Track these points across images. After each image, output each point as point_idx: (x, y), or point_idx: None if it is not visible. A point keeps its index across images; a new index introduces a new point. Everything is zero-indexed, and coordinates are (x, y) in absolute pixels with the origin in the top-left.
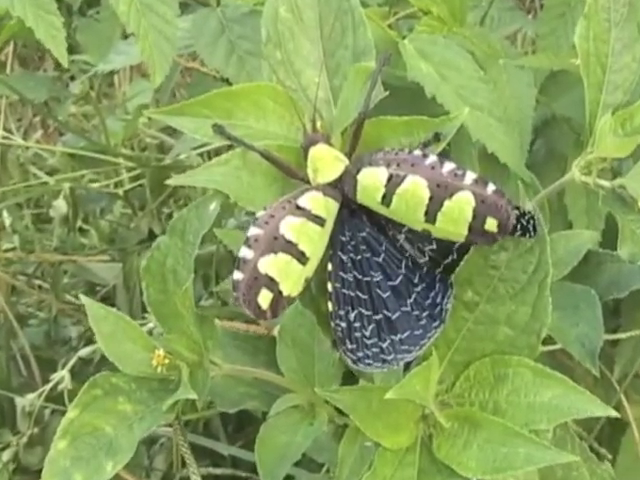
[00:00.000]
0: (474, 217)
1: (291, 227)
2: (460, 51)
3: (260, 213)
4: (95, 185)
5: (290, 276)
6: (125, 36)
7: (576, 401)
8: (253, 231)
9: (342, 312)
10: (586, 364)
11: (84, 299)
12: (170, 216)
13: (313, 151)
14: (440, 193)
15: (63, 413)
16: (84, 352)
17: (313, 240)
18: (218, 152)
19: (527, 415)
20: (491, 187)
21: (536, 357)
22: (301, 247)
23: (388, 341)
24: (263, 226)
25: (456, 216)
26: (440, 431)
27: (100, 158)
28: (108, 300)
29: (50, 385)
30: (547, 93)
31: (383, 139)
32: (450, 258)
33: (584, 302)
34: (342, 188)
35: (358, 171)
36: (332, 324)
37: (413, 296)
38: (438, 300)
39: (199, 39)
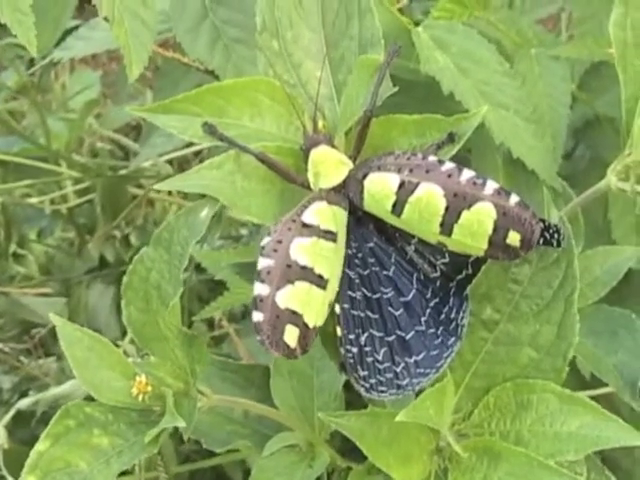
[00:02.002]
0: (495, 230)
1: (302, 249)
2: (482, 40)
3: (265, 240)
4: (33, 200)
5: (312, 305)
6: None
7: (607, 429)
8: (263, 263)
9: (352, 336)
10: (624, 397)
11: (54, 318)
12: (125, 239)
13: (314, 153)
14: (458, 203)
15: None
16: (24, 404)
17: (329, 259)
18: (182, 160)
19: (553, 445)
20: (514, 198)
21: (562, 382)
22: (317, 270)
23: (402, 364)
24: (272, 255)
25: (475, 229)
26: (456, 464)
27: (38, 166)
28: (48, 344)
29: None
30: (588, 89)
31: (392, 140)
32: (464, 273)
33: (623, 327)
34: (347, 194)
35: (365, 176)
36: (342, 350)
37: (427, 312)
38: (452, 315)
39: (178, 24)
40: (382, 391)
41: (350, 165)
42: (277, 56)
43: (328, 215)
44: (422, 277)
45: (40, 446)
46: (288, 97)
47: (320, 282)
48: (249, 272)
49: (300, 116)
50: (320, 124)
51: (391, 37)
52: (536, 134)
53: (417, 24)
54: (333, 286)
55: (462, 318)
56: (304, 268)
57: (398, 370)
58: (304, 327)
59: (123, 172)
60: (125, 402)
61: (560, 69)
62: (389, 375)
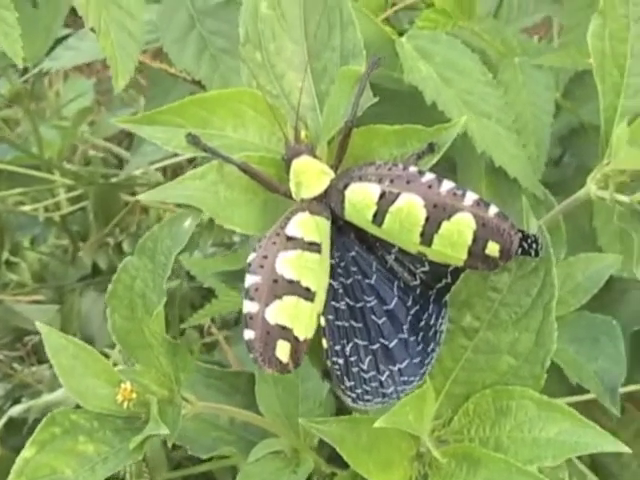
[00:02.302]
0: (474, 241)
1: (288, 263)
2: (466, 50)
3: (251, 257)
4: (25, 208)
5: (301, 318)
6: (67, 25)
7: (584, 435)
8: (250, 280)
9: (338, 347)
10: (605, 403)
11: (40, 326)
12: (118, 246)
13: (296, 164)
14: (438, 214)
15: None
16: (16, 411)
17: (314, 271)
18: (176, 167)
19: (532, 451)
20: (493, 209)
21: (541, 388)
22: (304, 283)
23: (387, 372)
24: (259, 271)
25: (455, 239)
26: (436, 470)
27: (31, 174)
28: (41, 351)
29: None
30: (572, 97)
31: (373, 150)
32: (443, 282)
33: (605, 334)
34: (328, 203)
35: (346, 186)
36: (329, 363)
37: (408, 320)
38: (432, 322)
39: (166, 34)
40: (368, 400)
41: (331, 175)
42: (260, 67)
43: (311, 226)
44: (402, 285)
45: (26, 453)
46: (271, 108)
47: (307, 295)
48: (235, 280)
49: (282, 127)
50: (303, 134)
51: (375, 47)
52: (518, 143)
53: (403, 34)
54: (320, 297)
55: (441, 324)
56: (291, 282)
57: (383, 379)
58: (295, 341)
59: (115, 180)
60: (110, 409)
61: (544, 78)
62: (374, 384)
